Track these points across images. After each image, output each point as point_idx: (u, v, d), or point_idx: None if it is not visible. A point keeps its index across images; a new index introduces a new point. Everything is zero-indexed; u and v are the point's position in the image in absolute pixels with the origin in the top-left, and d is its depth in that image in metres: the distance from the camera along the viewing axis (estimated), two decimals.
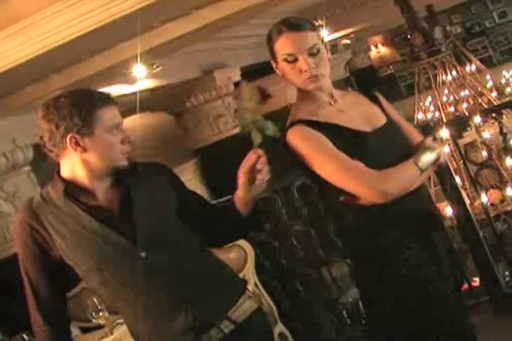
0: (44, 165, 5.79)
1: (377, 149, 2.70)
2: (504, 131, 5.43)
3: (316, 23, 8.69)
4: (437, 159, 2.73)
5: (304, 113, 2.75)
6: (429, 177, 5.07)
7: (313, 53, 2.65)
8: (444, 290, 2.77)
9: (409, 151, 2.74)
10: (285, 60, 2.69)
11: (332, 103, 2.79)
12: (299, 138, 2.67)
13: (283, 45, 2.68)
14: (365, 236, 2.75)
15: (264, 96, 2.84)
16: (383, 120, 2.81)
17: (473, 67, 10.25)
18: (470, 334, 2.87)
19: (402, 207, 2.66)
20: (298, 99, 2.83)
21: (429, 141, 2.82)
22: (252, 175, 2.62)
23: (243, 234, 3.00)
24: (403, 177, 2.64)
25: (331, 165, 2.63)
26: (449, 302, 2.79)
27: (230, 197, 2.83)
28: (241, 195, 2.69)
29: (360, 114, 2.80)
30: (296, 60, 2.66)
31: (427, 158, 2.69)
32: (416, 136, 2.88)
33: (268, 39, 2.74)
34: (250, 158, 2.59)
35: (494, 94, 10.23)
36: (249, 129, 2.74)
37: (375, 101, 2.89)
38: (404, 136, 2.84)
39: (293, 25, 2.67)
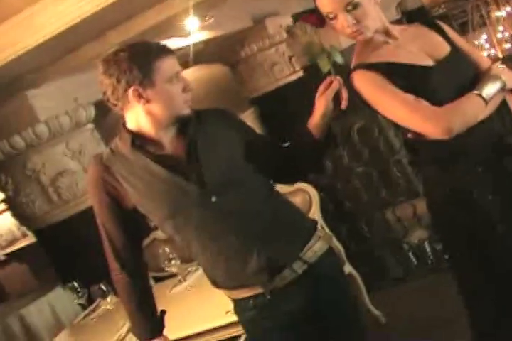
0: (106, 122, 5.92)
1: (442, 82, 2.67)
2: None
3: None
4: (503, 86, 2.68)
5: (364, 56, 2.77)
6: None
7: (350, 9, 2.63)
8: None
9: (476, 80, 2.70)
10: (327, 17, 2.70)
11: (389, 42, 2.77)
12: (361, 83, 2.69)
13: (322, 4, 2.69)
14: (437, 168, 2.77)
15: (319, 22, 2.86)
16: (447, 50, 2.77)
17: None
18: None
19: (471, 138, 2.63)
20: (357, 43, 2.82)
21: (494, 68, 2.77)
22: (333, 102, 2.73)
23: (320, 162, 3.06)
24: (466, 111, 2.60)
25: (392, 106, 2.64)
26: None
27: (289, 143, 2.91)
28: (317, 121, 2.77)
29: (421, 47, 2.77)
30: (336, 16, 2.67)
31: (490, 87, 2.64)
32: (483, 63, 2.82)
33: None
34: (333, 86, 2.71)
35: None
36: (317, 57, 2.78)
37: (439, 30, 2.84)
38: (471, 63, 2.79)
39: None
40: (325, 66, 2.75)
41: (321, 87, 2.75)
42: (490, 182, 2.70)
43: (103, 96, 2.67)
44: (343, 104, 2.72)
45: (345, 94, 2.72)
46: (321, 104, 2.74)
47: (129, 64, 2.54)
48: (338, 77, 2.73)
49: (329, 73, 2.74)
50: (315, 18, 2.82)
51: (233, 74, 9.26)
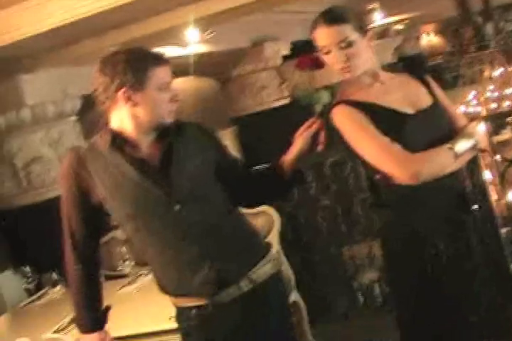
0: (89, 117, 5.97)
1: (418, 131, 2.73)
2: None
3: (370, 6, 8.76)
4: (475, 145, 2.76)
5: (348, 94, 2.84)
6: None
7: (343, 47, 2.71)
8: (475, 272, 2.84)
9: (451, 135, 2.77)
10: (321, 50, 2.78)
11: (376, 85, 2.85)
12: (340, 117, 2.75)
13: (317, 38, 2.77)
14: (396, 212, 2.85)
15: (319, 63, 2.95)
16: (429, 102, 2.85)
17: None
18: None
19: (435, 189, 2.70)
20: (343, 81, 2.89)
21: (471, 126, 2.86)
22: (309, 143, 2.86)
23: (285, 194, 3.18)
24: (437, 161, 2.67)
25: (366, 144, 2.70)
26: (480, 284, 2.85)
27: (264, 166, 3.02)
28: (291, 158, 2.91)
29: (405, 95, 2.84)
30: (329, 51, 2.75)
31: (463, 143, 2.72)
32: (460, 120, 2.91)
33: (310, 28, 2.82)
34: (312, 127, 2.87)
35: None
36: (307, 99, 2.91)
37: (424, 83, 2.93)
38: (449, 119, 2.87)
39: (328, 18, 2.74)
40: (316, 105, 2.86)
41: (302, 127, 2.90)
42: (446, 234, 2.79)
43: (93, 92, 2.74)
44: (320, 147, 2.87)
45: (323, 138, 2.85)
46: (299, 142, 2.89)
47: (125, 66, 2.63)
48: (319, 121, 2.87)
49: (314, 114, 2.86)
50: (310, 61, 2.92)
51: (222, 90, 9.33)
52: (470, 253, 2.83)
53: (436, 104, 2.87)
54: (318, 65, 2.86)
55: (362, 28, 2.80)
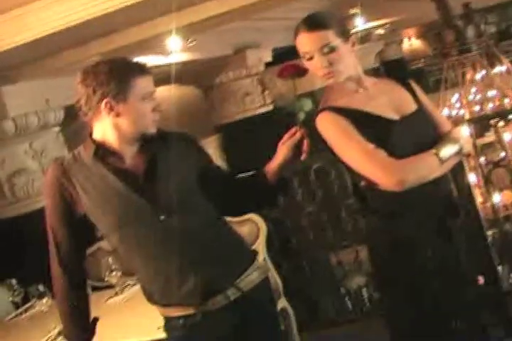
0: (72, 127, 5.96)
1: (403, 137, 2.74)
2: None
3: (352, 11, 8.77)
4: (460, 150, 2.77)
5: (332, 100, 2.83)
6: None
7: (325, 52, 2.70)
8: (460, 278, 2.85)
9: (436, 140, 2.78)
10: (303, 57, 2.78)
11: (360, 91, 2.85)
12: (325, 124, 2.75)
13: (300, 44, 2.77)
14: (383, 218, 2.85)
15: (301, 71, 2.94)
16: (413, 108, 2.86)
17: (504, 68, 10.24)
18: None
19: (421, 194, 2.70)
20: (327, 87, 2.89)
21: (455, 131, 2.87)
22: (293, 152, 2.85)
23: (270, 202, 3.18)
24: (422, 167, 2.68)
25: (351, 151, 2.70)
26: (465, 291, 2.87)
27: (248, 173, 3.02)
28: (275, 167, 2.90)
29: (389, 101, 2.84)
30: (312, 57, 2.74)
31: (448, 149, 2.72)
32: (445, 126, 2.91)
33: (293, 35, 2.81)
34: (295, 136, 2.86)
35: None
36: (289, 108, 2.90)
37: (408, 88, 2.93)
38: (433, 124, 2.88)
39: (310, 24, 2.73)
40: (300, 114, 2.86)
41: (286, 136, 2.89)
42: (431, 239, 2.79)
43: (76, 104, 2.75)
44: (303, 156, 2.87)
45: (306, 147, 2.85)
46: (282, 151, 2.88)
47: (107, 77, 2.63)
48: (302, 129, 2.87)
49: (296, 122, 2.86)
50: (292, 69, 2.90)
51: (205, 98, 9.34)
52: (457, 256, 2.85)
53: (420, 109, 2.88)
54: (300, 73, 2.83)
55: (345, 33, 2.79)
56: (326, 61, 2.72)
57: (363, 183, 2.77)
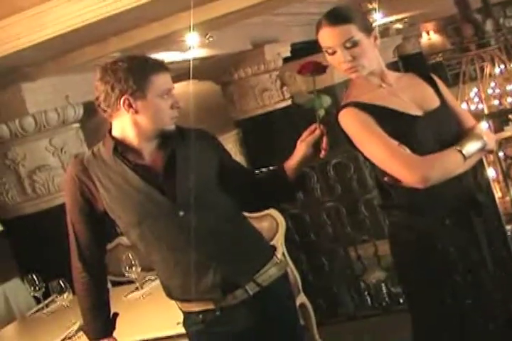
0: (92, 124, 6.00)
1: (426, 133, 2.72)
2: None
3: (370, 6, 8.77)
4: (483, 147, 2.74)
5: (356, 95, 2.81)
6: None
7: (348, 47, 2.69)
8: (484, 274, 2.82)
9: (459, 136, 2.75)
10: (326, 51, 2.76)
11: (383, 86, 2.83)
12: (348, 120, 2.73)
13: (322, 38, 2.75)
14: (406, 213, 2.83)
15: (321, 69, 2.92)
16: (436, 103, 2.83)
17: None
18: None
19: (444, 191, 2.68)
20: (351, 82, 2.88)
21: (479, 127, 2.83)
22: (312, 149, 2.83)
23: (289, 198, 3.17)
24: (445, 164, 2.65)
25: (375, 147, 2.68)
26: (490, 287, 2.83)
27: (267, 168, 3.02)
28: (295, 164, 2.87)
29: (412, 96, 2.82)
30: (334, 52, 2.73)
31: (472, 145, 2.69)
32: (469, 121, 2.88)
33: (315, 29, 2.80)
34: (315, 133, 2.82)
35: None
36: (309, 105, 2.88)
37: (431, 83, 2.91)
38: (456, 120, 2.85)
39: (332, 18, 2.72)
40: (319, 110, 2.84)
41: (305, 133, 2.86)
42: (455, 236, 2.77)
43: (95, 101, 2.76)
44: (323, 154, 2.83)
45: (325, 145, 2.81)
46: (301, 148, 2.85)
47: (126, 74, 2.64)
48: (322, 126, 2.83)
49: (316, 119, 2.84)
50: (311, 66, 2.89)
51: (223, 94, 9.35)
52: (480, 251, 2.82)
53: (444, 104, 2.85)
54: (320, 70, 2.82)
55: (367, 28, 2.77)
56: (348, 55, 2.70)
57: (386, 179, 2.73)
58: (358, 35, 2.71)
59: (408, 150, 2.64)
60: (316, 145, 2.83)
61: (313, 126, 2.85)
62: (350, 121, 2.73)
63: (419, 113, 2.78)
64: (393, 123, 2.70)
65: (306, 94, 2.90)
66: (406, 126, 2.71)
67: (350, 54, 2.71)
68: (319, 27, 2.76)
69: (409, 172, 2.61)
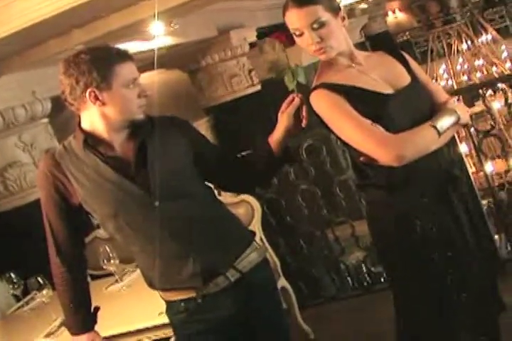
0: (61, 118, 5.95)
1: (399, 111, 2.72)
2: (509, 101, 5.47)
3: None
4: (457, 121, 2.74)
5: (326, 76, 2.81)
6: None
7: (315, 28, 2.68)
8: (464, 250, 2.84)
9: (433, 112, 2.76)
10: (294, 33, 2.75)
11: (353, 65, 2.83)
12: (319, 102, 2.74)
13: (289, 20, 2.74)
14: (382, 193, 2.84)
15: (288, 40, 2.91)
16: (408, 80, 2.83)
17: (489, 36, 10.23)
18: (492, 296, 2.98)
19: (421, 167, 2.69)
20: (321, 63, 2.88)
21: (451, 102, 2.84)
22: (294, 119, 2.82)
23: (274, 172, 3.15)
24: (419, 141, 2.65)
25: (348, 128, 2.68)
26: (470, 263, 2.86)
27: (243, 155, 3.00)
28: (279, 137, 2.86)
29: (383, 74, 2.83)
30: (302, 33, 2.72)
31: (445, 120, 2.70)
32: (441, 96, 2.88)
33: (282, 12, 2.79)
34: (294, 102, 2.82)
35: (508, 64, 10.22)
36: (283, 74, 2.87)
37: (402, 60, 2.91)
38: (429, 96, 2.86)
39: (298, 0, 2.71)
40: (290, 84, 2.83)
41: (284, 104, 2.85)
42: (434, 212, 2.79)
43: (61, 95, 2.74)
44: (304, 122, 2.83)
45: (305, 113, 2.81)
46: (283, 119, 2.84)
47: (89, 66, 2.61)
48: (300, 95, 2.83)
49: (292, 91, 2.82)
50: (284, 36, 2.89)
51: (192, 81, 9.31)
52: (459, 228, 2.84)
53: (415, 81, 2.86)
54: (291, 41, 2.82)
55: (334, 8, 2.76)
56: (316, 37, 2.70)
57: (361, 159, 2.73)
58: (325, 16, 2.71)
59: (382, 129, 2.64)
60: (297, 115, 2.82)
61: (291, 97, 2.84)
62: (322, 102, 2.73)
63: (390, 91, 2.78)
64: (365, 102, 2.70)
65: (280, 67, 2.89)
66: (378, 105, 2.71)
67: (318, 35, 2.70)
68: (286, 9, 2.75)
69: (383, 151, 2.62)
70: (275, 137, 2.88)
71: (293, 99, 2.85)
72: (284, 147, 2.89)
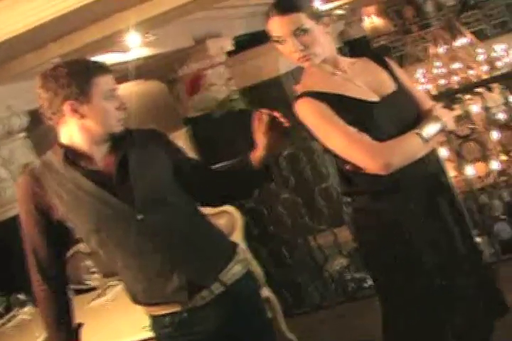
0: (39, 131, 5.90)
1: (384, 118, 2.72)
2: (487, 105, 5.49)
3: None
4: (444, 128, 2.75)
5: (310, 85, 2.81)
6: None
7: (298, 35, 2.68)
8: (453, 256, 2.84)
9: (418, 119, 2.75)
10: (276, 41, 2.75)
11: (337, 73, 2.83)
12: (304, 110, 2.73)
13: (272, 28, 2.74)
14: (368, 200, 2.84)
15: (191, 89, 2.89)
16: (392, 87, 2.84)
17: (466, 40, 10.29)
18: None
19: (408, 174, 2.68)
20: (304, 71, 2.87)
21: (436, 109, 2.82)
22: (270, 134, 2.77)
23: (254, 188, 3.12)
24: (406, 148, 2.65)
25: (334, 137, 2.68)
26: (461, 268, 2.86)
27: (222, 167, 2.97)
28: (260, 155, 2.83)
29: (368, 82, 2.82)
30: (285, 41, 2.71)
31: (431, 127, 2.70)
32: (426, 103, 2.88)
33: (265, 19, 2.78)
34: (263, 119, 2.75)
35: (485, 67, 10.28)
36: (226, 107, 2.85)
37: (386, 67, 2.92)
38: (414, 103, 2.85)
39: (281, 7, 2.71)
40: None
41: (254, 124, 2.80)
42: (420, 219, 2.78)
43: (40, 109, 2.71)
44: (287, 123, 2.73)
45: (280, 116, 2.73)
46: (259, 139, 2.81)
47: (68, 79, 2.60)
48: (263, 110, 2.76)
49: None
50: (188, 85, 2.87)
51: (170, 92, 9.28)
52: (447, 233, 2.84)
53: (400, 88, 2.86)
54: (194, 89, 2.80)
55: (317, 15, 2.76)
56: (300, 44, 2.70)
57: (348, 167, 2.73)
58: (308, 23, 2.71)
59: (367, 137, 2.64)
60: (274, 128, 2.76)
61: (256, 115, 2.78)
62: (307, 111, 2.73)
63: (375, 98, 2.78)
64: (350, 110, 2.70)
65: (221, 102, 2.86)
66: (364, 113, 2.72)
67: (302, 42, 2.70)
68: (268, 16, 2.75)
69: (370, 159, 2.61)
70: (256, 154, 2.85)
71: (260, 116, 2.77)
72: (264, 164, 2.87)
